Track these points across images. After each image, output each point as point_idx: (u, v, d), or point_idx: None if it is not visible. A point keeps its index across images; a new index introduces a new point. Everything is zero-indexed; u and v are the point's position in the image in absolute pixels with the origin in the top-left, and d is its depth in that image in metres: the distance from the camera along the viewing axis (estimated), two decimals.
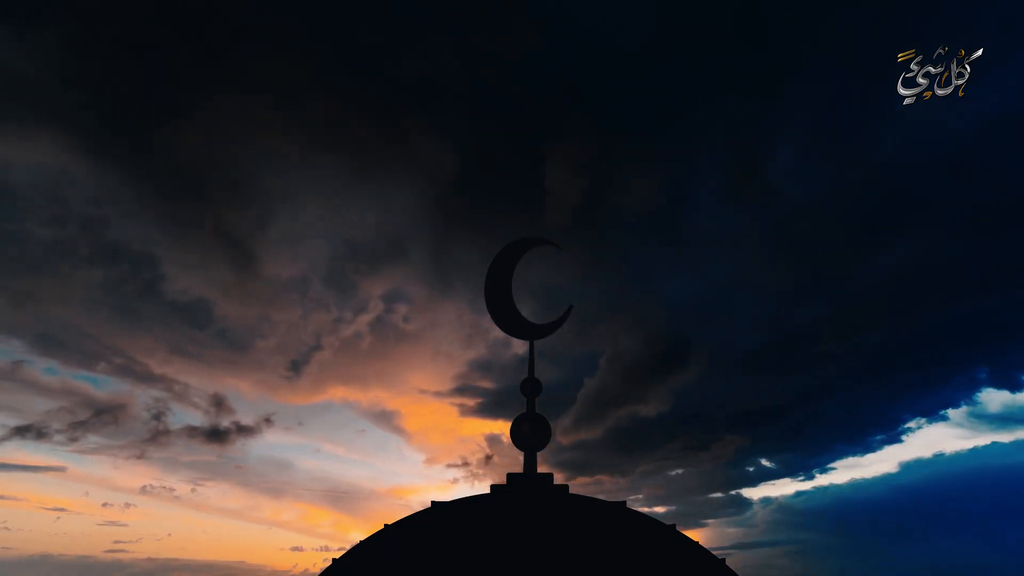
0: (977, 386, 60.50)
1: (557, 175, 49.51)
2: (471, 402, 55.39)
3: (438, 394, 56.19)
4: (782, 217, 51.13)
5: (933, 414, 61.89)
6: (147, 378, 53.96)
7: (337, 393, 58.68)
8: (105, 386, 54.07)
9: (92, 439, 53.65)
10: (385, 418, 61.19)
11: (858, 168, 48.00)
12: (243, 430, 56.27)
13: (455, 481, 55.99)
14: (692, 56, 46.20)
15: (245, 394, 57.13)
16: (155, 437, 55.09)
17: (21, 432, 51.55)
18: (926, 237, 50.08)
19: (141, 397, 54.42)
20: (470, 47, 46.43)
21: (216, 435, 55.81)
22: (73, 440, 52.72)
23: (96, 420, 53.54)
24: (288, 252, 52.36)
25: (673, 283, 55.28)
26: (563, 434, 53.22)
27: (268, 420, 56.28)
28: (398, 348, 56.85)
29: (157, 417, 54.96)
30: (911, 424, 62.15)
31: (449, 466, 57.99)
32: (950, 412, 62.24)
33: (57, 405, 52.19)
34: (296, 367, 55.59)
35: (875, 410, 62.38)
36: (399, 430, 62.28)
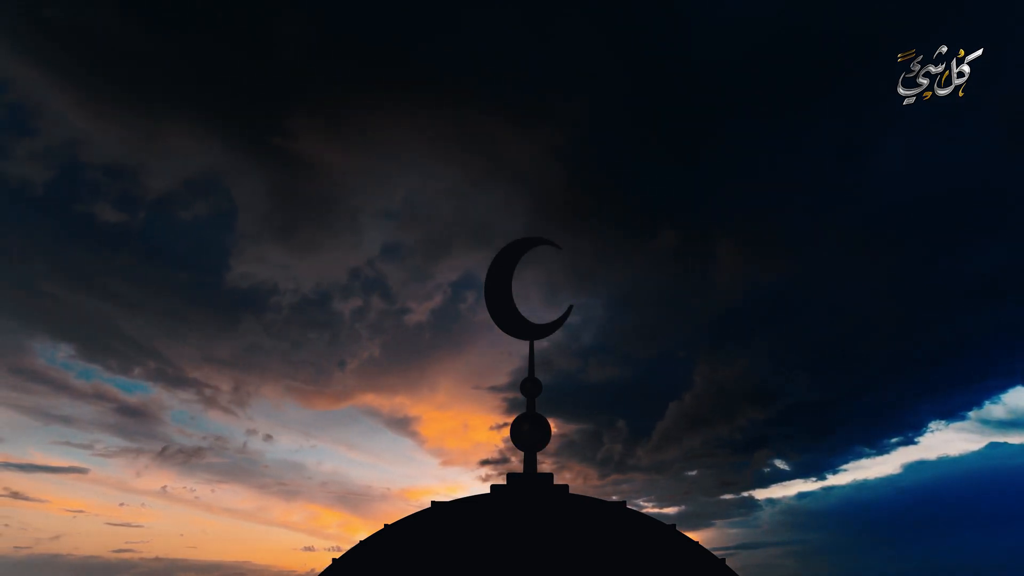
0: (1006, 386, 59.28)
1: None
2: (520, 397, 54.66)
3: (494, 388, 55.63)
4: (861, 219, 50.66)
5: (953, 416, 61.12)
6: (179, 382, 54.44)
7: (371, 396, 58.36)
8: (134, 390, 54.67)
9: (116, 441, 54.48)
10: (418, 420, 60.64)
11: (921, 174, 47.71)
12: (267, 435, 56.82)
13: (485, 478, 55.64)
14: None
15: (273, 397, 57.18)
16: (176, 440, 55.70)
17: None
18: (988, 241, 49.64)
19: (168, 400, 55.02)
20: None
21: (238, 439, 56.33)
22: (98, 443, 53.54)
23: (121, 423, 54.33)
24: (352, 241, 52.76)
25: (748, 279, 54.74)
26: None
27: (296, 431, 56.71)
28: (455, 342, 56.57)
29: (180, 420, 55.60)
30: (932, 426, 61.56)
31: (482, 463, 57.65)
32: (971, 414, 61.51)
33: (87, 408, 52.97)
34: (343, 366, 55.79)
35: (901, 412, 61.42)
36: (434, 430, 61.56)
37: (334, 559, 15.83)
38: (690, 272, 53.42)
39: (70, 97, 44.25)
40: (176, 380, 54.12)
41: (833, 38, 42.45)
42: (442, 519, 16.19)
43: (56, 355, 51.41)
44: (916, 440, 61.45)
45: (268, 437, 57.71)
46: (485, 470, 54.77)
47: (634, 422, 56.37)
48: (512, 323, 18.48)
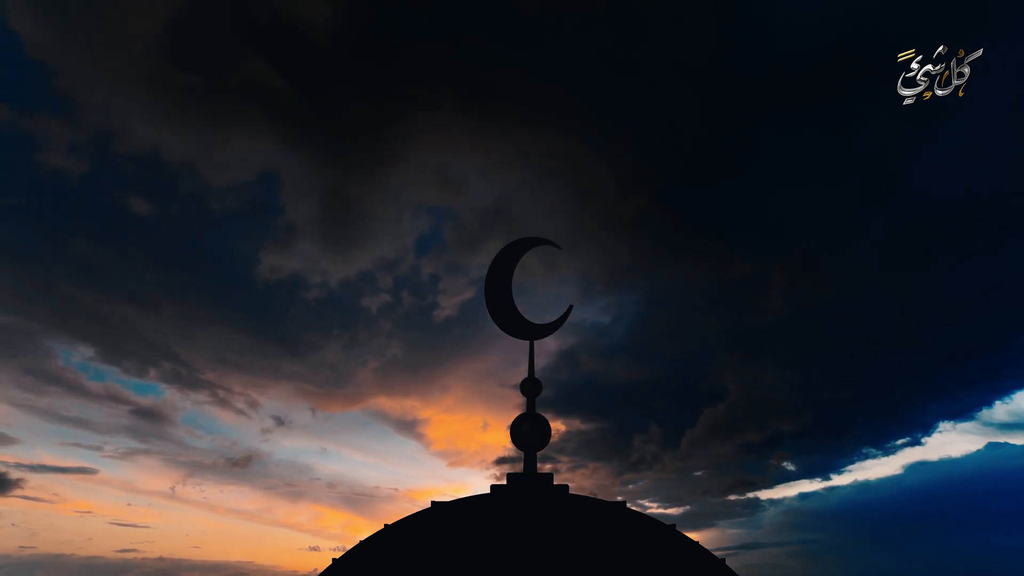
0: (1016, 387, 58.55)
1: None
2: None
3: (517, 387, 55.21)
4: (882, 230, 50.73)
5: (961, 416, 60.79)
6: (193, 383, 54.25)
7: (384, 399, 57.91)
8: (147, 391, 54.64)
9: (125, 442, 54.44)
10: (427, 422, 60.23)
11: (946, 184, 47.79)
12: (276, 435, 56.84)
13: (500, 477, 55.35)
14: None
15: (286, 397, 57.00)
16: (188, 441, 55.73)
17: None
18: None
19: (181, 402, 54.95)
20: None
21: (245, 439, 56.53)
22: (107, 444, 53.57)
23: (132, 424, 54.34)
24: (378, 241, 52.46)
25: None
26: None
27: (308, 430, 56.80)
28: (483, 340, 55.66)
29: (191, 422, 55.65)
30: (941, 427, 61.22)
31: (497, 462, 57.55)
32: (979, 415, 61.41)
33: (98, 409, 52.91)
34: (363, 365, 55.64)
35: (911, 413, 61.07)
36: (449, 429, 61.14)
37: (334, 559, 15.87)
38: (711, 276, 53.62)
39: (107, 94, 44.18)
40: (190, 382, 54.19)
41: (856, 59, 42.66)
42: (442, 518, 16.21)
43: (73, 357, 51.47)
44: (923, 441, 61.37)
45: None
46: (500, 469, 54.52)
47: (642, 423, 56.59)
48: (512, 323, 18.51)
